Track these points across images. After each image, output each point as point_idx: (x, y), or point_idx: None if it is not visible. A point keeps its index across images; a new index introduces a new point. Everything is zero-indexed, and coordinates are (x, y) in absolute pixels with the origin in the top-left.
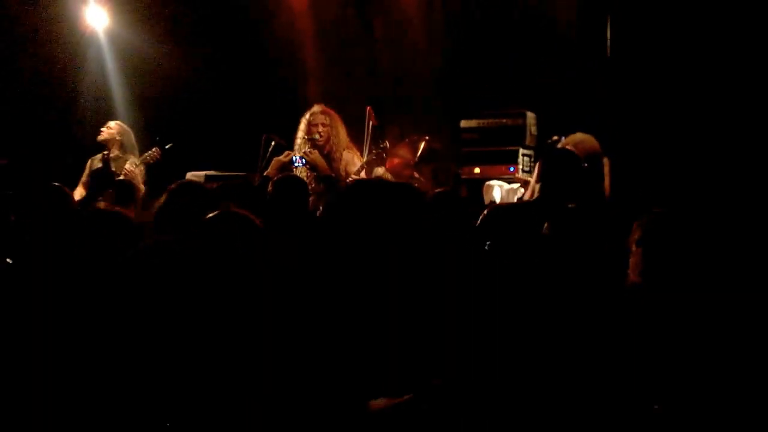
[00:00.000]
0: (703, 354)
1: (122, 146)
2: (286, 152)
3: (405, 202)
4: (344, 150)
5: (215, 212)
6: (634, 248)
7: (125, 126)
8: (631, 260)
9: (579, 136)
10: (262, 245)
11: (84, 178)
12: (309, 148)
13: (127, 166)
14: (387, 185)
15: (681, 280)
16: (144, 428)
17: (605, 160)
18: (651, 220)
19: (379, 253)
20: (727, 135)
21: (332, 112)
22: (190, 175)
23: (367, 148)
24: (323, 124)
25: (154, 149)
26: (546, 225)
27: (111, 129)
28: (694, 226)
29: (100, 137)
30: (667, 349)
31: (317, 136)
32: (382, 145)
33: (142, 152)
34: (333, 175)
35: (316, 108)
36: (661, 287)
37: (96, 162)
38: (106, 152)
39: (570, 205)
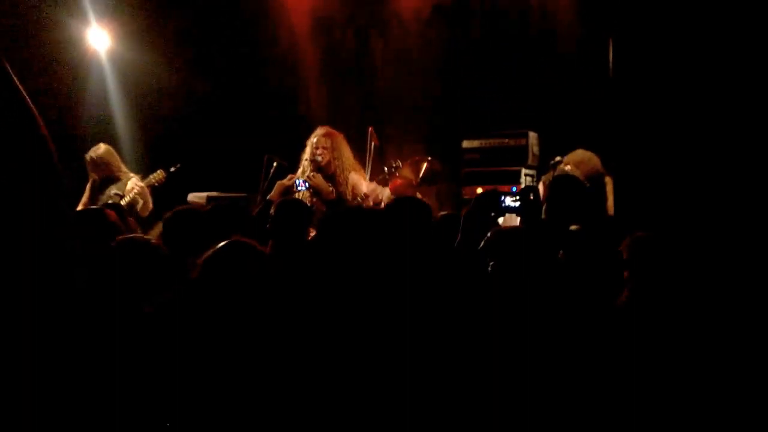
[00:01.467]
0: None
1: (118, 167)
2: (290, 176)
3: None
4: (350, 171)
5: (223, 243)
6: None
7: (105, 145)
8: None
9: (580, 153)
10: (267, 274)
11: (85, 198)
12: (312, 171)
13: (134, 189)
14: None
15: (666, 301)
16: (144, 428)
17: (607, 179)
18: (635, 244)
19: (373, 274)
20: (729, 154)
21: (336, 134)
22: (191, 197)
23: (370, 168)
24: (324, 147)
25: (159, 171)
26: (561, 252)
27: (103, 158)
28: (677, 249)
29: (102, 173)
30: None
31: (319, 158)
32: (395, 165)
33: (146, 173)
34: (335, 198)
35: (319, 130)
36: (645, 307)
37: (105, 198)
38: (117, 193)
39: (573, 227)
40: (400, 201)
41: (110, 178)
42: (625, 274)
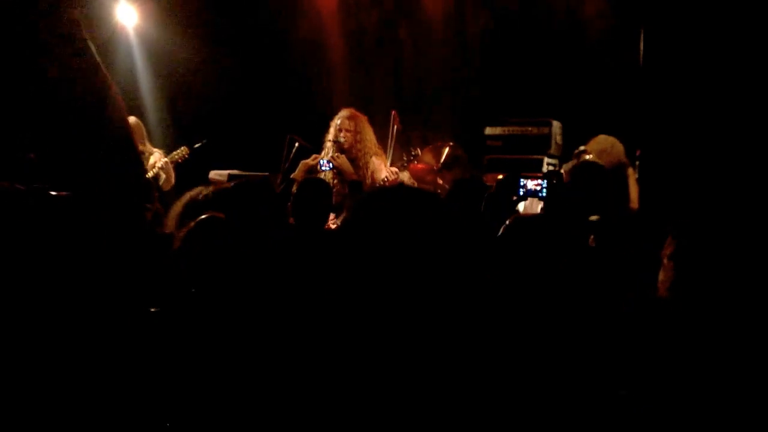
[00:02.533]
0: (728, 375)
1: (143, 141)
2: (313, 155)
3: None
4: (372, 156)
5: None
6: (665, 261)
7: (134, 118)
8: (662, 274)
9: (602, 140)
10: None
11: None
12: (336, 152)
13: (158, 163)
14: (407, 192)
15: (713, 298)
16: (144, 428)
17: (630, 171)
18: (685, 235)
19: (402, 260)
20: (762, 147)
21: (360, 117)
22: (213, 174)
23: (391, 152)
24: (347, 129)
25: (182, 148)
26: (591, 237)
27: (134, 134)
28: (730, 243)
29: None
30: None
31: (342, 140)
32: (414, 153)
33: (169, 149)
34: (358, 179)
35: (343, 112)
36: (691, 304)
37: None
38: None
39: (593, 218)
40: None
41: None
42: (665, 267)
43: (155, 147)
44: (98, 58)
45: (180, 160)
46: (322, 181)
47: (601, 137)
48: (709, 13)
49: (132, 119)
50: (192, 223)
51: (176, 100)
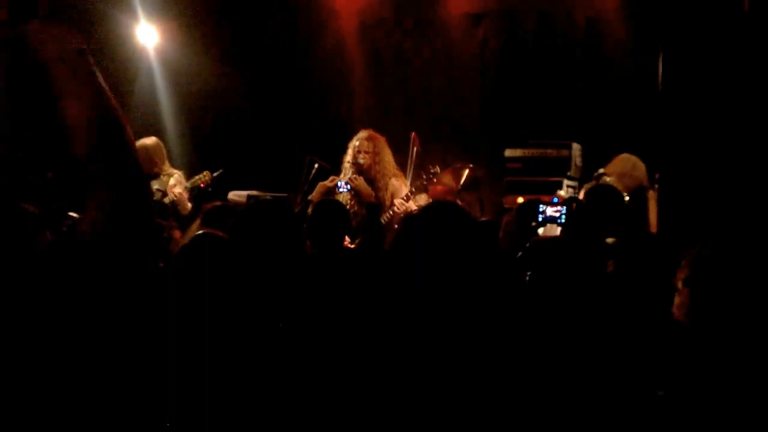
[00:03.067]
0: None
1: (163, 162)
2: (331, 177)
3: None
4: (391, 177)
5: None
6: (680, 286)
7: (155, 138)
8: (677, 298)
9: (624, 159)
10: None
11: None
12: (354, 173)
13: (176, 189)
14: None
15: (729, 323)
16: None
17: (651, 193)
18: (701, 259)
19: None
20: None
21: (379, 138)
22: (232, 195)
23: (411, 174)
24: (366, 151)
25: (205, 173)
26: (610, 263)
27: (149, 150)
28: (746, 268)
29: (154, 169)
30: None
31: (361, 161)
32: (432, 171)
33: (189, 169)
34: (375, 201)
35: (362, 134)
36: (708, 329)
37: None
38: (159, 189)
39: (609, 240)
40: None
41: (152, 173)
42: (680, 292)
43: (175, 168)
44: (107, 89)
45: (202, 185)
46: (338, 202)
47: (624, 156)
48: (726, 36)
49: (152, 140)
50: (187, 239)
51: (196, 120)
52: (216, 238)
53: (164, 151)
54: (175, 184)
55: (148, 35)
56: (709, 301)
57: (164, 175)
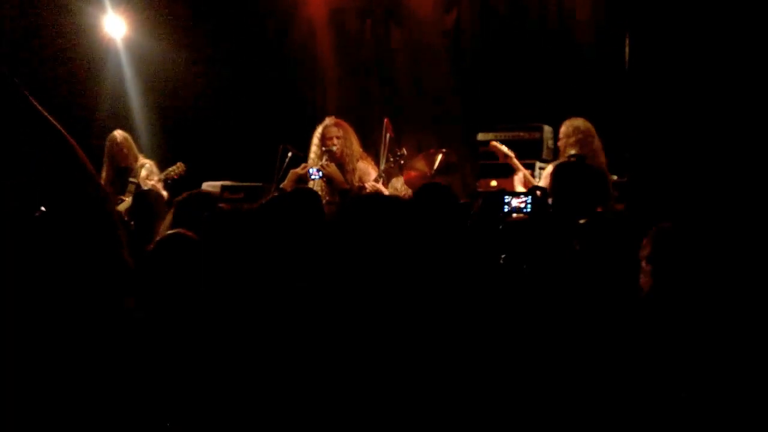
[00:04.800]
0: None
1: (135, 155)
2: (303, 165)
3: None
4: (358, 161)
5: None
6: (644, 264)
7: (122, 132)
8: (642, 276)
9: (578, 123)
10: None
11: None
12: (326, 160)
13: (149, 181)
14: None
15: (691, 295)
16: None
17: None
18: (661, 235)
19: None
20: (743, 148)
21: (344, 124)
22: (206, 185)
23: (384, 159)
24: (337, 137)
25: (178, 164)
26: (576, 242)
27: (124, 148)
28: (704, 242)
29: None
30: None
31: (334, 148)
32: (399, 153)
33: (160, 160)
34: (349, 187)
35: (328, 121)
36: (672, 303)
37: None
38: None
39: (581, 221)
40: (427, 188)
41: (126, 167)
42: (644, 269)
43: (147, 158)
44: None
45: (176, 177)
46: (310, 190)
47: (569, 125)
48: (693, 17)
49: (120, 133)
50: (156, 240)
51: (167, 110)
52: (186, 239)
53: (132, 144)
54: (147, 174)
55: (115, 26)
56: (671, 275)
57: (138, 166)
